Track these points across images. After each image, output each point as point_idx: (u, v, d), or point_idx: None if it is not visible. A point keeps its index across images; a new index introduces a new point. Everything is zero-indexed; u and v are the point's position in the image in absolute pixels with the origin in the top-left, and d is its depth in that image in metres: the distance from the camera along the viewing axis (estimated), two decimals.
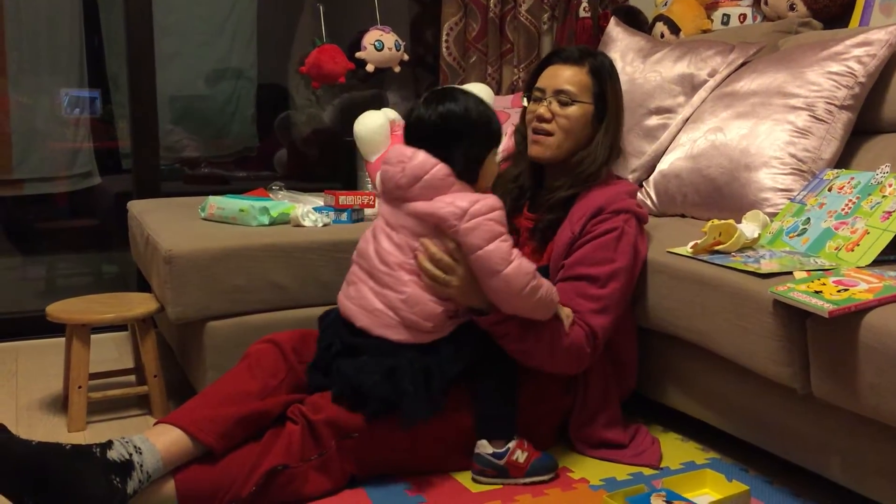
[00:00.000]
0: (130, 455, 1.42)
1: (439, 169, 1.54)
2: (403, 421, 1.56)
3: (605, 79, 1.84)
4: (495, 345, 1.64)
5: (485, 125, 1.59)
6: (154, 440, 1.46)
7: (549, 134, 1.82)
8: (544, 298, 1.57)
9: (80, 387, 1.96)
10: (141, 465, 1.41)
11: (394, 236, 1.60)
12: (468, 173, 1.58)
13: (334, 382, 1.59)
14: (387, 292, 1.58)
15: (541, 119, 1.82)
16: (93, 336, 2.01)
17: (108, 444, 1.42)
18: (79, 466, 1.36)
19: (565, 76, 1.82)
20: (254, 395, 1.57)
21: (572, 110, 1.80)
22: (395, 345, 1.57)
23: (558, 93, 1.81)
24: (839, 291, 1.40)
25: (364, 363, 1.57)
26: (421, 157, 1.54)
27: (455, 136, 1.56)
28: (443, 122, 1.56)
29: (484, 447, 1.66)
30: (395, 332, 1.58)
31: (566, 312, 1.66)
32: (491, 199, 1.55)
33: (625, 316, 1.82)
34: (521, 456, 1.66)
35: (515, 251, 1.55)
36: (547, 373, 1.70)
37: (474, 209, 1.51)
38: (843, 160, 2.02)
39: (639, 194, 2.16)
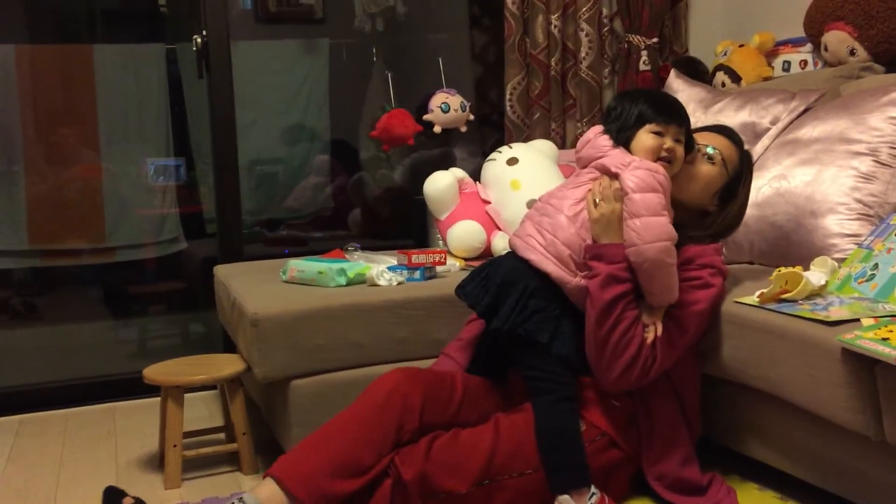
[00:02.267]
0: None
1: (598, 135, 1.84)
2: (492, 325, 1.76)
3: (748, 170, 1.95)
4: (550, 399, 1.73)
5: (616, 117, 1.82)
6: None
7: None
8: (669, 273, 1.71)
9: (175, 446, 2.07)
10: None
11: (574, 183, 1.84)
12: (618, 145, 1.81)
13: (474, 277, 1.84)
14: (543, 219, 1.81)
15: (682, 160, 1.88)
16: (184, 395, 2.13)
17: None
18: None
19: (721, 142, 1.92)
20: (366, 468, 1.63)
21: (711, 167, 1.88)
22: (530, 269, 1.76)
23: (707, 147, 1.90)
24: None
25: (495, 271, 1.80)
26: (594, 128, 1.87)
27: (603, 118, 1.88)
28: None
29: (566, 502, 1.68)
30: (535, 254, 1.77)
31: (651, 331, 1.74)
32: (656, 165, 1.75)
33: (687, 360, 1.86)
34: None
35: (666, 215, 1.71)
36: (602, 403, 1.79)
37: (637, 163, 1.74)
38: None
39: None
